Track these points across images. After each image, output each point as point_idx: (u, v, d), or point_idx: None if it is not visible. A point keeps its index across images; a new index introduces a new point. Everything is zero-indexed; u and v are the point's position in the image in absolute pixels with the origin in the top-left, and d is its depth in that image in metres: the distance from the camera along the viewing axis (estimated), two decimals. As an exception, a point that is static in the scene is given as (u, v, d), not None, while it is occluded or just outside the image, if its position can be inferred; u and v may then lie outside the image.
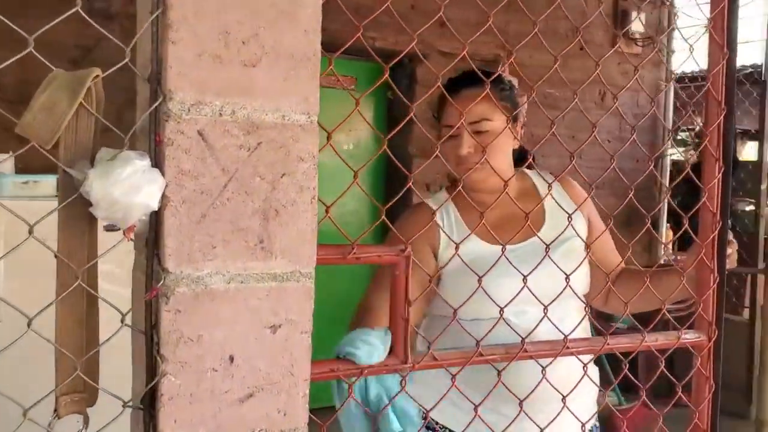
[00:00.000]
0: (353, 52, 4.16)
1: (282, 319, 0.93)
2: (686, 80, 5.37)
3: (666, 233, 5.55)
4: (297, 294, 0.94)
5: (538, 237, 1.50)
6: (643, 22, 4.82)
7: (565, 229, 1.41)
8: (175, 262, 0.86)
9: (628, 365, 1.39)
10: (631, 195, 1.40)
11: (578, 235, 1.60)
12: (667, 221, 5.69)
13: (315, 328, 0.96)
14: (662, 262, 5.43)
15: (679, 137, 6.03)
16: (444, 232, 1.69)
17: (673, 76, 5.08)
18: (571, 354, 1.31)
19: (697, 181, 1.50)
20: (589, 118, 1.64)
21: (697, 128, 5.76)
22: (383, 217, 1.13)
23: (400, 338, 1.16)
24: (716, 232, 1.45)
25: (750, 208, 5.92)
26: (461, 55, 1.23)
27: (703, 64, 1.50)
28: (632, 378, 1.45)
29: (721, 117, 1.45)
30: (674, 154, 6.04)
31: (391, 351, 1.16)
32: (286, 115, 0.92)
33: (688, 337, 1.44)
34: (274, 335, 0.93)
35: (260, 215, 0.91)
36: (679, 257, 5.64)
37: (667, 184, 5.34)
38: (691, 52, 1.43)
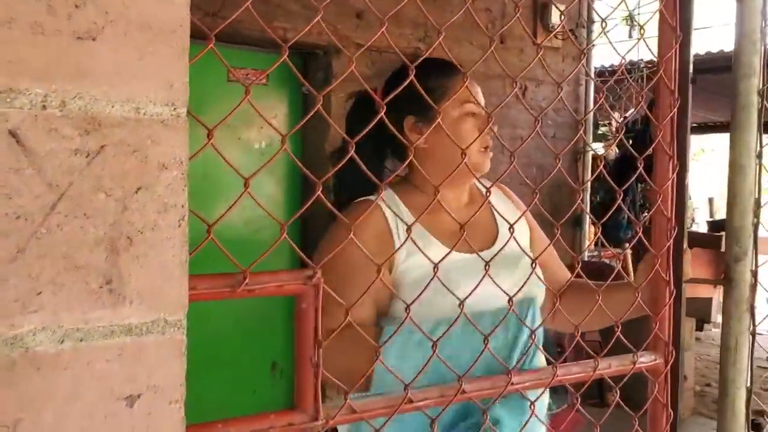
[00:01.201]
0: (264, 44, 3.90)
1: (142, 387, 0.68)
2: (606, 74, 5.32)
3: (589, 230, 5.50)
4: (162, 351, 0.69)
5: (518, 244, 1.32)
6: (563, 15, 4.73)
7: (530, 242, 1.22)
8: (-22, 317, 0.60)
9: (579, 399, 1.20)
10: (583, 197, 1.20)
11: (528, 246, 1.45)
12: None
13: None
14: (585, 259, 5.37)
15: (599, 132, 6.00)
16: (412, 240, 1.43)
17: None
18: (516, 390, 1.11)
19: (647, 175, 1.31)
20: (533, 113, 1.44)
21: (614, 123, 5.73)
22: (284, 235, 0.90)
23: (308, 388, 0.92)
24: (672, 239, 1.27)
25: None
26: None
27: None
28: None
29: (675, 108, 1.27)
30: (590, 150, 6.02)
31: (298, 405, 0.92)
32: (141, 108, 0.67)
33: (644, 360, 1.26)
34: (131, 409, 0.68)
35: (106, 246, 0.66)
36: (603, 253, 5.60)
37: (590, 180, 5.28)
38: (642, 37, 1.24)
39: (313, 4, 4.12)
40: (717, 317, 7.86)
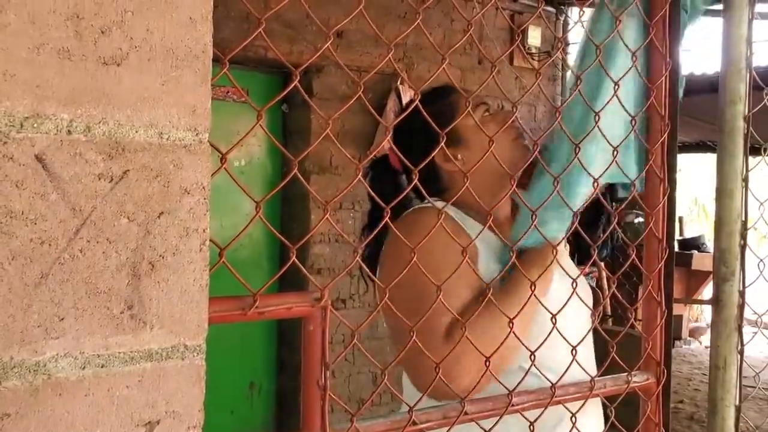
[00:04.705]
0: (245, 62, 3.90)
1: (161, 413, 0.68)
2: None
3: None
4: (182, 376, 0.69)
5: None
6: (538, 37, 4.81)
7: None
8: (1, 343, 0.60)
9: (576, 419, 1.21)
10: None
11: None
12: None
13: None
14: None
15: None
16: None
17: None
18: (516, 412, 1.12)
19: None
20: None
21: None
22: (293, 258, 0.90)
23: (315, 411, 0.92)
24: (663, 261, 1.30)
25: (639, 220, 6.04)
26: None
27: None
28: None
29: (666, 133, 1.31)
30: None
31: (305, 427, 0.92)
32: (164, 133, 0.68)
33: (637, 380, 1.28)
34: (150, 435, 0.67)
35: (128, 271, 0.66)
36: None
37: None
38: (634, 63, 1.27)
39: (294, 24, 4.11)
40: (687, 334, 7.97)
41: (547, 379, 1.15)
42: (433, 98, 1.38)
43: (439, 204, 1.29)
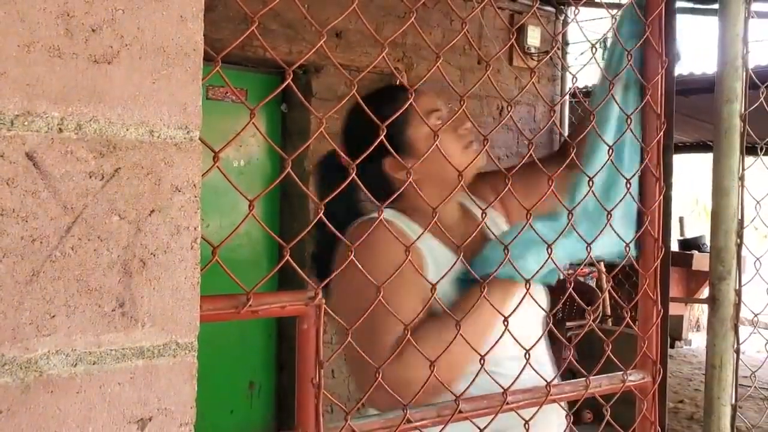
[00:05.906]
0: (244, 62, 3.90)
1: (153, 410, 0.68)
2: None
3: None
4: (173, 374, 0.69)
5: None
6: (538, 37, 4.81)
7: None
8: (-8, 340, 0.60)
9: (572, 417, 1.21)
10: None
11: None
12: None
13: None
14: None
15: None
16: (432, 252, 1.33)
17: (575, 87, 5.08)
18: (512, 410, 1.12)
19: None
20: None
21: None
22: (287, 257, 0.90)
23: (309, 409, 0.92)
24: (659, 260, 1.30)
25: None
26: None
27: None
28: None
29: (661, 132, 1.31)
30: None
31: (300, 426, 0.92)
32: (155, 131, 0.68)
33: (633, 379, 1.28)
34: (142, 432, 0.67)
35: (119, 269, 0.66)
36: (577, 271, 5.66)
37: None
38: (629, 62, 1.27)
39: (293, 24, 4.11)
40: (688, 334, 7.96)
41: (543, 379, 1.15)
42: (382, 101, 1.32)
43: (388, 212, 1.27)
